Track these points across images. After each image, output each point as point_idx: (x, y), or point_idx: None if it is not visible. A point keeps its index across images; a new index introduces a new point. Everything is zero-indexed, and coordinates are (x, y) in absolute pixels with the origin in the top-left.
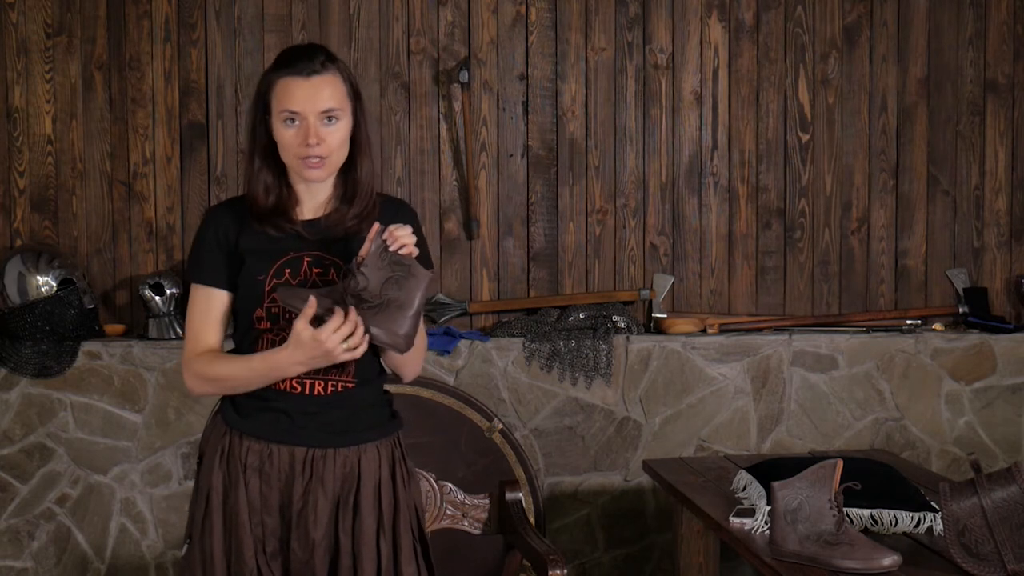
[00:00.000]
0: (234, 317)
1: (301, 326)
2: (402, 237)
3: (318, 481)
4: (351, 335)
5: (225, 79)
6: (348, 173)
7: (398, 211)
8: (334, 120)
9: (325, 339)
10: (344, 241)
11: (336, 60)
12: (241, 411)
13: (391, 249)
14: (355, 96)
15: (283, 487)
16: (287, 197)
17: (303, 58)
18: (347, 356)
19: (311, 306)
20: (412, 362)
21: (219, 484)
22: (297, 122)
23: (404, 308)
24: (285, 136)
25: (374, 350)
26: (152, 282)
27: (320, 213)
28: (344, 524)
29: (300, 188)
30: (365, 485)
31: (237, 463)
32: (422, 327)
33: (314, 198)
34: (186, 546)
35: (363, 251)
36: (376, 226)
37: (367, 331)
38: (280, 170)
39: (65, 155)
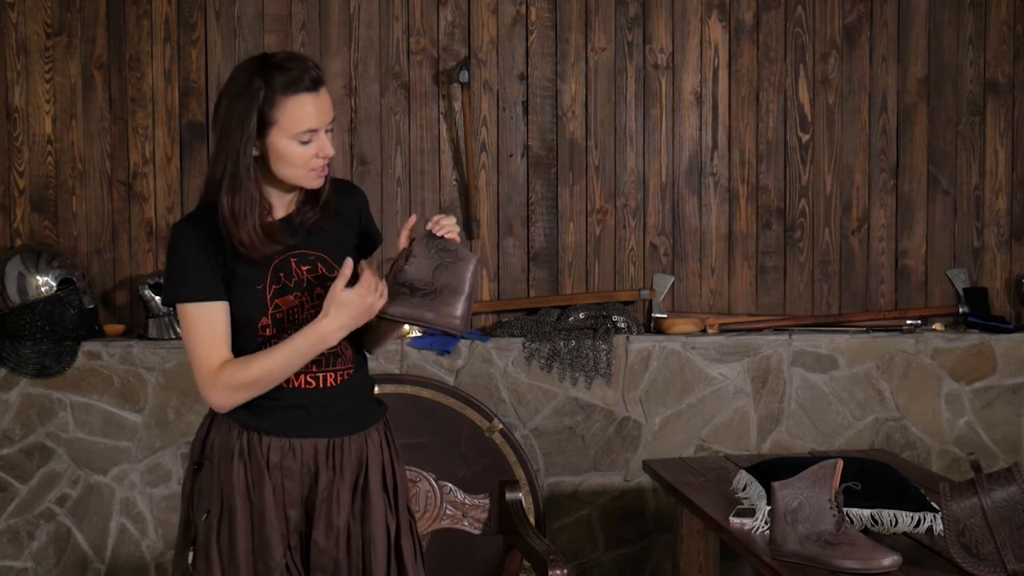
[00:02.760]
0: (234, 326)
1: (340, 288)
2: (448, 225)
3: (339, 470)
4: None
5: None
6: None
7: (349, 192)
8: (331, 129)
9: (367, 292)
10: (320, 233)
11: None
12: (257, 411)
13: (438, 235)
14: None
15: (307, 480)
16: (264, 205)
17: (299, 68)
18: (382, 303)
19: (348, 267)
20: (387, 337)
21: (241, 483)
22: (313, 139)
23: (457, 292)
24: (298, 152)
25: (357, 335)
26: (152, 282)
27: (289, 211)
28: (355, 509)
29: (271, 192)
30: (372, 468)
31: (259, 461)
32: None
33: (282, 198)
34: (191, 553)
35: (402, 241)
36: (414, 217)
37: (423, 320)
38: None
39: (65, 155)
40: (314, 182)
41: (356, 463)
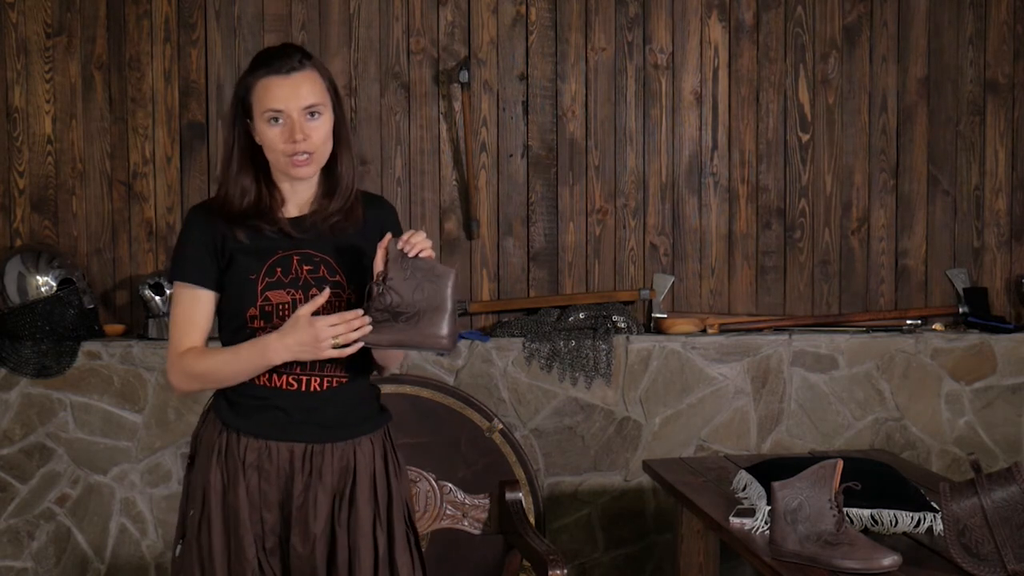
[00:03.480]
0: (221, 317)
1: (304, 310)
2: (419, 243)
3: (317, 476)
4: (351, 337)
5: (225, 79)
6: (330, 169)
7: (379, 208)
8: (317, 115)
9: (320, 327)
10: (331, 237)
11: (312, 57)
12: (238, 410)
13: (411, 255)
14: (333, 92)
15: (282, 483)
16: (270, 197)
17: (280, 57)
18: (332, 354)
19: (324, 296)
20: (398, 358)
21: (217, 482)
22: (281, 120)
23: (440, 309)
24: (270, 135)
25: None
26: (152, 282)
27: (305, 210)
28: (340, 518)
29: (285, 187)
30: (361, 478)
31: (236, 461)
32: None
33: (298, 195)
34: (179, 546)
35: (378, 265)
36: (388, 237)
37: (409, 344)
38: (260, 172)
39: (65, 155)
40: (294, 170)
41: (339, 471)
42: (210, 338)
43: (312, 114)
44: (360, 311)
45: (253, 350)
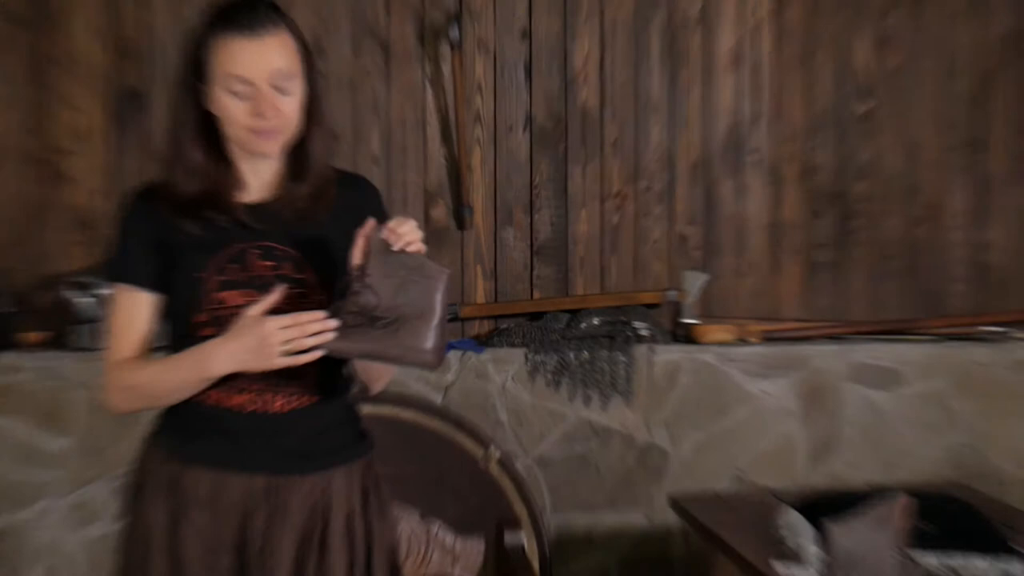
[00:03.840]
0: (169, 323)
1: (253, 310)
2: (407, 234)
3: (280, 515)
4: (306, 343)
5: (168, 39)
6: (299, 146)
7: (356, 188)
8: (289, 86)
9: (267, 328)
10: (297, 227)
11: (283, 14)
12: (184, 434)
13: (396, 249)
14: (307, 56)
15: (238, 523)
16: (225, 177)
17: (244, 12)
18: (283, 362)
19: (278, 293)
20: (387, 371)
21: (163, 520)
22: (246, 91)
23: (426, 317)
24: (232, 108)
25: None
26: (76, 280)
27: (267, 194)
28: (308, 566)
29: (244, 166)
30: (335, 518)
31: (183, 495)
32: None
33: (259, 177)
34: None
35: (356, 257)
36: (371, 223)
37: (385, 356)
38: (213, 148)
39: None
40: (255, 144)
41: (307, 510)
42: (162, 347)
43: (283, 85)
44: (321, 312)
45: (192, 358)
